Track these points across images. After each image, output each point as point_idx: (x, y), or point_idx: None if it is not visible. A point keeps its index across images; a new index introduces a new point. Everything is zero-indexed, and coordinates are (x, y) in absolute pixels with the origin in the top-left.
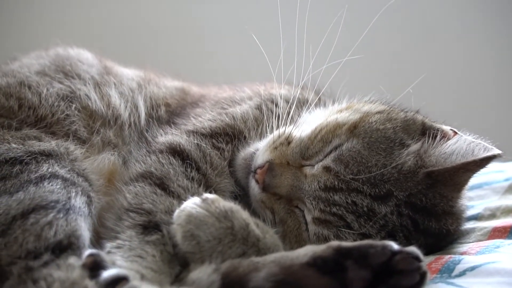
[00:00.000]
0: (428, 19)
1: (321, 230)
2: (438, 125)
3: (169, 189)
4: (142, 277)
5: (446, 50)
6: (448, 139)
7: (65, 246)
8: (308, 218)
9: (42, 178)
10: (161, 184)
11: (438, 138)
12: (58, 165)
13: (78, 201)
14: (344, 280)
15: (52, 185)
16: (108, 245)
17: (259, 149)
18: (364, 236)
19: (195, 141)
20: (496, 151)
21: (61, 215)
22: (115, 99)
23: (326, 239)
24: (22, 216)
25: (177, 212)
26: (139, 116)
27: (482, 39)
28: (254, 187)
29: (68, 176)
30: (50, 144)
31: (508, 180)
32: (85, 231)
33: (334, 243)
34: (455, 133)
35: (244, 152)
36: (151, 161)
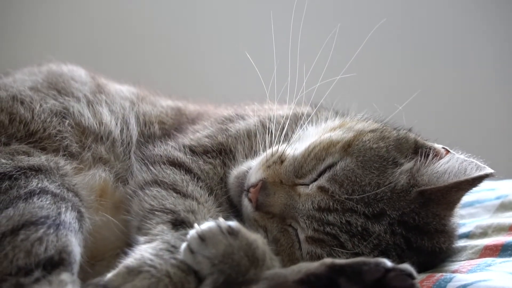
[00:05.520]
0: (421, 37)
1: (314, 249)
2: (430, 144)
3: (183, 192)
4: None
5: (439, 67)
6: (441, 157)
7: (57, 262)
8: (301, 237)
9: (31, 194)
10: (175, 189)
11: (430, 156)
12: (47, 180)
13: (68, 216)
14: None
15: (41, 201)
16: (141, 239)
17: (252, 167)
18: (357, 255)
19: (191, 156)
20: (488, 170)
21: (51, 230)
22: (107, 116)
23: (319, 258)
24: (12, 232)
25: (194, 234)
26: (130, 133)
27: (476, 56)
28: (247, 206)
29: (58, 191)
30: (39, 159)
31: (499, 198)
32: (76, 246)
33: (328, 260)
34: (448, 151)
35: (237, 171)
36: (156, 171)
